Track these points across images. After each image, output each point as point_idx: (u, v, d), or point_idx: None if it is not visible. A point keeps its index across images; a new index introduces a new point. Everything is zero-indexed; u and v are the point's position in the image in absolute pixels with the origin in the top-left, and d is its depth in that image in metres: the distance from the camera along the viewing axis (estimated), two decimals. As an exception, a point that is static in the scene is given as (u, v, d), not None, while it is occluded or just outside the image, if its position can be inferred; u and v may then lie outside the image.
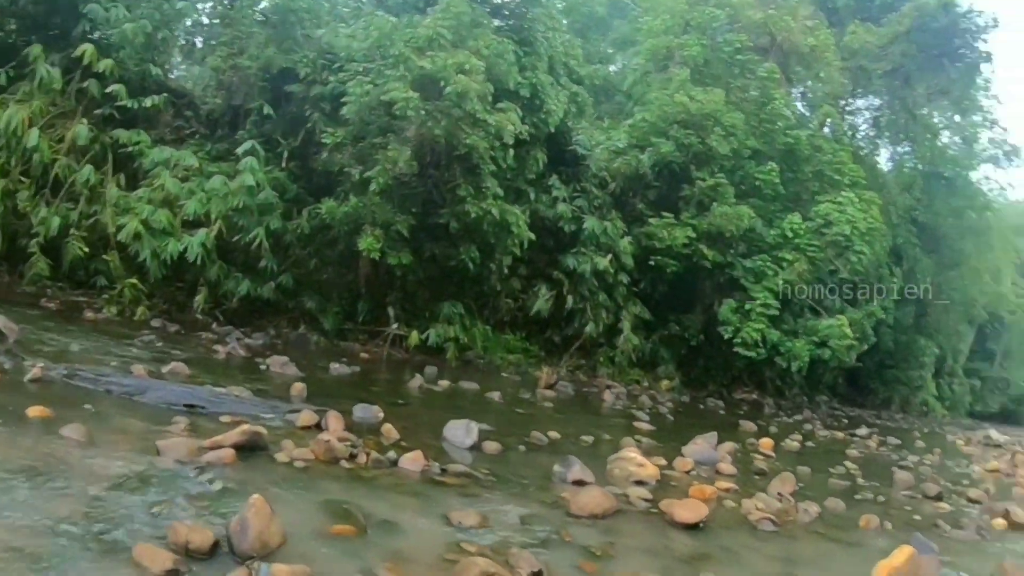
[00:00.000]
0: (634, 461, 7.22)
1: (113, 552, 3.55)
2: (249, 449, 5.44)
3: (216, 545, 3.77)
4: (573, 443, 8.71)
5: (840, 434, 16.32)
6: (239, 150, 13.97)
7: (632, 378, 18.53)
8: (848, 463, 11.09)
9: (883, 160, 31.79)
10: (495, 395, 11.85)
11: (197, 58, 17.20)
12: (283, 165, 14.97)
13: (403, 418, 7.84)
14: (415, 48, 13.75)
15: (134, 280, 12.86)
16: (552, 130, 16.55)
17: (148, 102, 13.89)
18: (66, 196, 13.22)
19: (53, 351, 8.22)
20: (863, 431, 17.56)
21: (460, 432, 7.40)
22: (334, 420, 6.76)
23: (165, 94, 14.46)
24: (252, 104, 15.29)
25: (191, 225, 13.15)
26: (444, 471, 6.01)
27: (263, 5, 15.92)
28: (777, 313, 18.73)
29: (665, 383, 19.26)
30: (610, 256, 17.44)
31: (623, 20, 28.19)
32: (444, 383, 12.00)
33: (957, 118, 31.08)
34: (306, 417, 6.86)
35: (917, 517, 7.55)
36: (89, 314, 11.97)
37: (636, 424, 11.60)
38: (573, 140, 18.23)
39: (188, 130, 15.39)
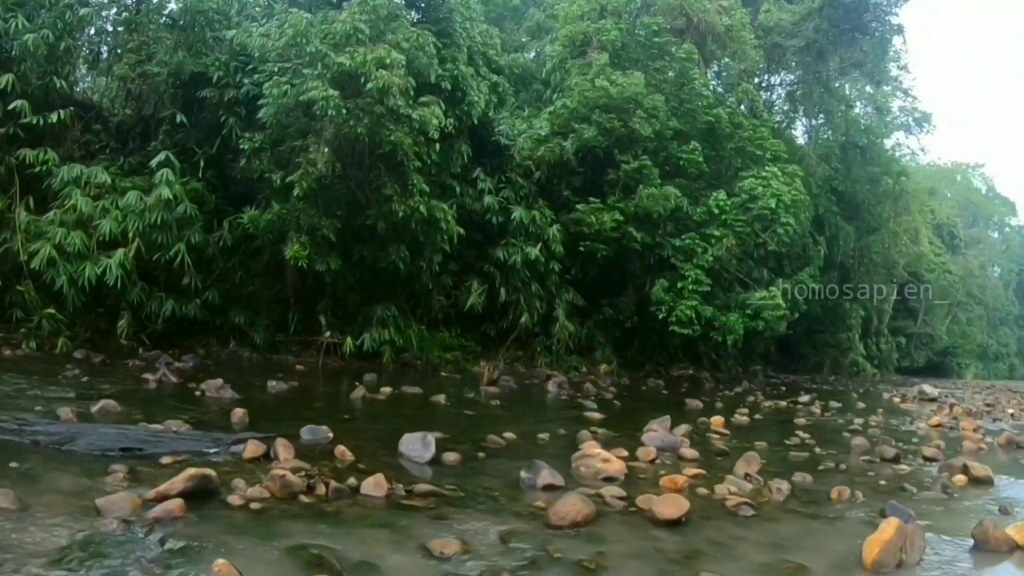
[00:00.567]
0: (599, 457, 7.06)
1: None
2: (199, 496, 5.01)
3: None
4: (530, 443, 8.55)
5: (783, 403, 16.54)
6: (153, 162, 13.45)
7: (571, 365, 18.63)
8: (800, 432, 11.15)
9: (799, 133, 32.78)
10: (440, 398, 11.65)
11: (103, 68, 16.48)
12: (200, 175, 14.47)
13: (353, 435, 7.54)
14: (332, 44, 13.37)
15: (52, 310, 12.19)
16: (475, 122, 16.42)
17: (54, 117, 13.23)
18: (-30, 225, 12.53)
19: (-34, 398, 7.69)
20: (804, 398, 17.82)
21: (417, 445, 7.09)
22: (283, 448, 6.39)
23: (71, 108, 13.79)
24: (164, 113, 14.79)
25: (108, 246, 12.60)
26: (410, 492, 5.70)
27: (171, 7, 15.40)
28: (709, 289, 19.07)
29: (604, 367, 19.42)
30: (540, 245, 17.46)
31: (537, 8, 28.15)
32: (386, 390, 11.75)
33: (869, 89, 32.11)
34: (252, 448, 6.43)
35: (883, 482, 7.58)
36: (7, 351, 11.37)
37: (587, 414, 11.52)
38: (496, 131, 18.13)
39: (98, 144, 14.78)
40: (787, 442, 10.28)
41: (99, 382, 9.70)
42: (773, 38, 26.71)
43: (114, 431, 6.69)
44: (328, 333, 14.77)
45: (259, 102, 13.78)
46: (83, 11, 14.44)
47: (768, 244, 20.36)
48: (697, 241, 19.39)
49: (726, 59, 26.40)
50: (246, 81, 14.48)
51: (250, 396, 9.88)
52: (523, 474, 6.47)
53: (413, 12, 16.15)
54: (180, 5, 15.16)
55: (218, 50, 14.97)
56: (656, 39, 21.27)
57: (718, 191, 19.97)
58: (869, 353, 39.78)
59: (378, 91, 13.06)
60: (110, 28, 16.24)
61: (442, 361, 16.35)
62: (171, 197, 12.96)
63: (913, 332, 47.48)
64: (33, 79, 13.57)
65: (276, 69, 13.80)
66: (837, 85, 30.00)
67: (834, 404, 16.99)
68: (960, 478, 7.91)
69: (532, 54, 26.16)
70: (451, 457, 7.06)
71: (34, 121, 13.11)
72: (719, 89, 26.55)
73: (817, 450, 9.69)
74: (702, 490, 6.54)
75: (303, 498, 5.31)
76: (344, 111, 13.05)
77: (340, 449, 6.72)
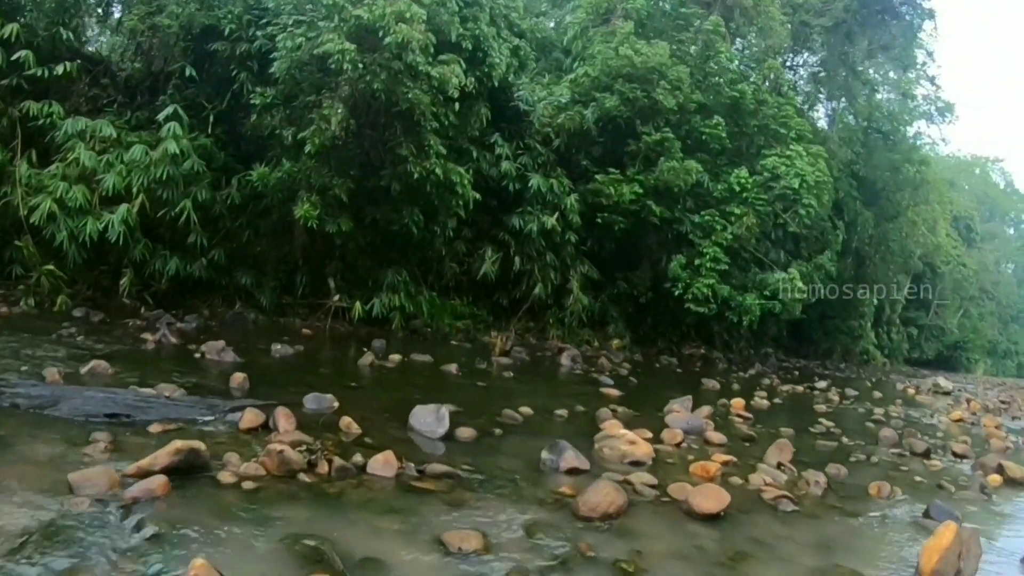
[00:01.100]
0: (624, 439, 6.69)
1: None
2: (185, 471, 4.48)
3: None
4: (548, 419, 8.21)
5: (800, 388, 16.32)
6: (160, 116, 12.95)
7: (582, 338, 18.21)
8: (823, 420, 11.02)
9: (820, 115, 32.14)
10: (451, 367, 11.29)
11: (112, 24, 16.02)
12: (209, 131, 13.94)
13: (360, 405, 7.10)
14: (350, -4, 12.83)
15: (51, 266, 11.65)
16: (495, 84, 15.85)
17: (60, 69, 12.68)
18: (-31, 178, 12.03)
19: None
20: (820, 384, 17.63)
21: (430, 419, 6.64)
22: (284, 418, 5.92)
23: (78, 61, 13.25)
24: (173, 67, 14.23)
25: (111, 201, 12.04)
26: (422, 473, 5.23)
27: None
28: (727, 268, 18.61)
29: (616, 342, 19.01)
30: (556, 215, 16.96)
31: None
32: (395, 357, 11.36)
33: (893, 75, 31.49)
34: (250, 417, 5.96)
35: (918, 479, 7.41)
36: (4, 309, 10.91)
37: (603, 391, 11.23)
38: (515, 96, 17.55)
39: (105, 99, 14.26)
40: (812, 429, 10.15)
41: (95, 342, 9.25)
42: (801, 16, 26.13)
43: (101, 395, 6.22)
44: (337, 297, 14.29)
45: (271, 56, 13.25)
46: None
47: (788, 225, 19.86)
48: (716, 218, 18.89)
49: (751, 35, 25.76)
50: (259, 34, 13.94)
51: (253, 360, 9.47)
52: (545, 455, 6.08)
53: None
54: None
55: (230, 2, 14.40)
56: (683, 10, 20.71)
57: (740, 168, 19.42)
58: (880, 342, 39.48)
59: (397, 46, 12.46)
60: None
61: (452, 329, 15.90)
62: (178, 152, 12.44)
63: (924, 324, 47.05)
64: (39, 30, 13.09)
65: (291, 22, 13.25)
66: (862, 68, 29.39)
67: (851, 392, 16.78)
68: (995, 478, 7.78)
69: (552, 24, 25.55)
70: (466, 433, 6.65)
71: (39, 73, 12.60)
72: (743, 67, 25.93)
73: (844, 440, 9.62)
74: (735, 479, 6.26)
75: (303, 477, 4.82)
76: (360, 66, 12.46)
77: (346, 420, 6.28)
